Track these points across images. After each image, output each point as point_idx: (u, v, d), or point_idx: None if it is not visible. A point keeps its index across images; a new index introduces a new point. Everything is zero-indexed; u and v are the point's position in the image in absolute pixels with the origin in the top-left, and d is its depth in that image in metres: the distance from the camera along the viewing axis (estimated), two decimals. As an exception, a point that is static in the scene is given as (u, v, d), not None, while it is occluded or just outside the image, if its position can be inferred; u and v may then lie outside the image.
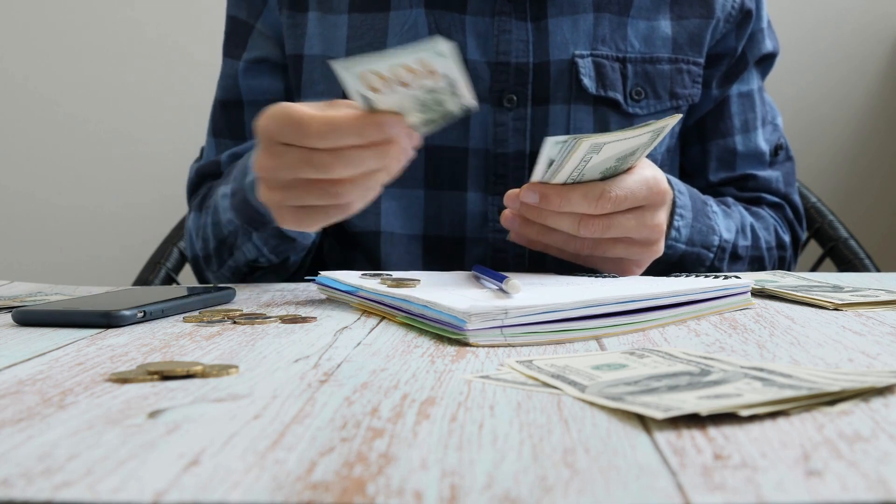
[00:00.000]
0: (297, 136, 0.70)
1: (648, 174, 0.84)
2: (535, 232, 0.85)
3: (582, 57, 1.00)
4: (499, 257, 1.03)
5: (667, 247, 0.94)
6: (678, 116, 0.80)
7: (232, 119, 1.10)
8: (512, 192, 0.83)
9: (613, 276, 0.83)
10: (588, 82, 1.01)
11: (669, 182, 0.95)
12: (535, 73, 1.00)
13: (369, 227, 1.04)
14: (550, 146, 0.76)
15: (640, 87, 1.02)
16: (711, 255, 0.98)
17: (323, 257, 1.14)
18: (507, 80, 0.99)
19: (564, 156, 0.76)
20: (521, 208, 0.83)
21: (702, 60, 1.05)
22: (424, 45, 0.64)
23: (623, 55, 1.02)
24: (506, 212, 0.85)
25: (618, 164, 0.80)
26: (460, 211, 1.02)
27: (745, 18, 1.07)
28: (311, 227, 0.78)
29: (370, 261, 1.06)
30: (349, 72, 0.66)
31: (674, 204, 0.93)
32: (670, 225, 0.93)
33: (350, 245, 1.08)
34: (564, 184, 0.80)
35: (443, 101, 0.69)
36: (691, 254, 0.96)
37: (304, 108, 0.72)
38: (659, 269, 0.94)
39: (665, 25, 1.03)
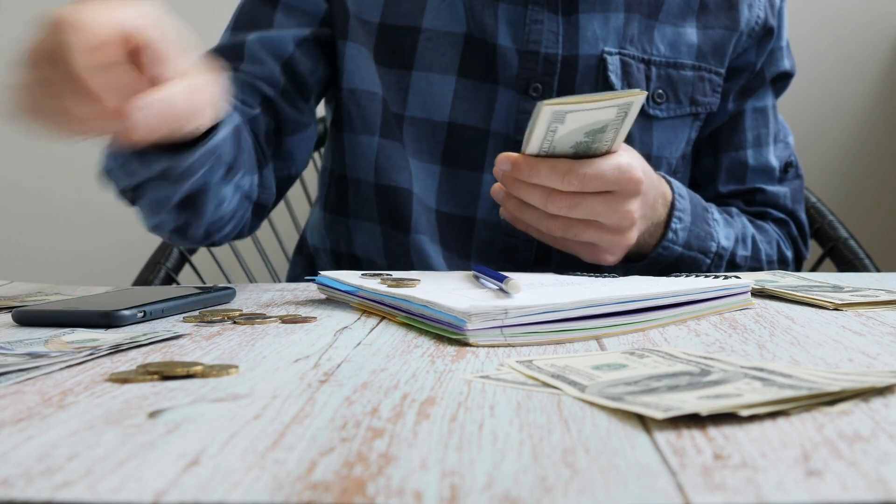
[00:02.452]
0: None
1: (623, 161, 0.85)
2: (514, 206, 0.87)
3: (611, 54, 1.01)
4: (509, 241, 1.03)
5: (663, 248, 0.94)
6: (644, 93, 0.80)
7: (262, 13, 1.05)
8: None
9: (613, 276, 0.83)
10: (615, 80, 1.01)
11: (670, 184, 0.95)
12: (562, 65, 1.00)
13: (403, 184, 1.03)
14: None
15: (662, 90, 1.03)
16: (708, 261, 0.99)
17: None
18: (534, 69, 1.00)
19: (532, 123, 0.79)
20: (501, 179, 0.87)
21: (723, 71, 1.06)
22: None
23: (649, 57, 1.02)
24: (495, 185, 0.88)
25: (588, 140, 0.81)
26: (475, 191, 1.03)
27: (767, 35, 1.07)
28: (37, 120, 0.67)
29: (401, 223, 1.04)
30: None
31: (672, 206, 0.94)
32: (668, 226, 0.94)
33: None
34: (538, 156, 0.83)
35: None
36: (688, 257, 0.97)
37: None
38: (654, 271, 0.94)
39: (691, 33, 1.04)
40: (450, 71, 1.01)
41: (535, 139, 0.81)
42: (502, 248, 1.03)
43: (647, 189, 0.87)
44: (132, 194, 0.90)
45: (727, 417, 0.38)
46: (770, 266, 1.07)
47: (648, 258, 0.95)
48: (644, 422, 0.39)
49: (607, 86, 1.01)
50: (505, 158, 0.85)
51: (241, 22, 1.06)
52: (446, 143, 1.02)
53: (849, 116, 1.80)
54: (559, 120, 0.78)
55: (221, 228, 0.97)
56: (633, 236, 0.88)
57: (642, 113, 1.02)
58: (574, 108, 0.77)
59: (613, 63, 1.01)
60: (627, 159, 0.85)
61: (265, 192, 1.04)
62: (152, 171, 0.83)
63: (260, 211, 1.04)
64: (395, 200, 1.04)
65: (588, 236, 0.87)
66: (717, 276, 0.77)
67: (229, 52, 1.03)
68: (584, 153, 0.83)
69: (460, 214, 1.03)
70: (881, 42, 1.78)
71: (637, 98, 0.79)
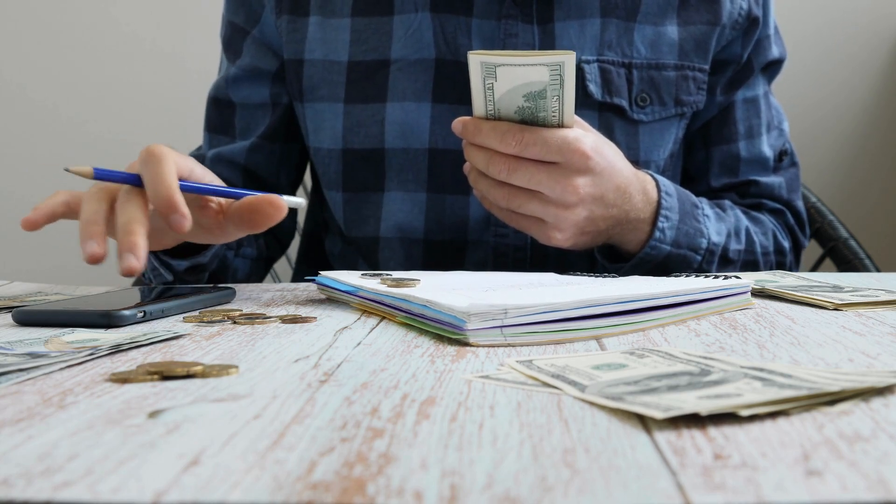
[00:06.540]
0: None
1: (572, 134, 0.83)
2: (474, 177, 0.87)
3: (588, 63, 1.00)
4: (500, 260, 1.03)
5: (650, 247, 0.93)
6: (572, 53, 0.78)
7: (224, 117, 1.10)
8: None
9: (613, 276, 0.83)
10: (594, 88, 1.00)
11: (656, 182, 0.94)
12: None
13: (368, 234, 1.04)
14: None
15: (645, 93, 1.02)
16: (699, 258, 0.98)
17: (325, 256, 1.14)
18: None
19: (469, 77, 0.81)
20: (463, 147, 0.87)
21: (707, 67, 1.04)
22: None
23: (629, 61, 1.01)
24: (467, 164, 0.89)
25: (531, 105, 0.82)
26: (463, 214, 1.02)
27: (752, 26, 1.06)
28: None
29: (369, 264, 1.06)
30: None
31: (659, 205, 0.93)
32: (654, 226, 0.93)
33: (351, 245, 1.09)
34: (486, 119, 0.84)
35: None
36: (677, 255, 0.96)
37: None
38: (643, 270, 0.94)
39: (672, 31, 1.02)
40: (424, 98, 1.00)
41: (476, 96, 0.82)
42: (493, 268, 1.02)
43: (602, 170, 0.85)
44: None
45: (727, 417, 0.38)
46: (766, 257, 1.06)
47: (636, 258, 0.94)
48: (644, 422, 0.39)
49: (587, 95, 1.00)
50: (457, 121, 0.85)
51: (211, 125, 1.13)
52: (429, 170, 1.01)
53: (849, 117, 1.80)
54: (491, 74, 0.79)
55: (246, 281, 1.10)
56: (580, 213, 0.85)
57: (627, 119, 1.02)
58: (502, 62, 0.79)
59: (591, 72, 1.00)
60: (577, 134, 0.83)
61: (272, 246, 1.14)
62: (180, 268, 0.95)
63: (277, 253, 1.17)
64: (365, 249, 1.06)
65: (532, 208, 0.85)
66: (717, 276, 0.77)
67: (199, 157, 1.12)
68: (531, 121, 0.83)
69: (450, 239, 1.03)
70: (881, 42, 1.78)
71: (567, 58, 0.79)
